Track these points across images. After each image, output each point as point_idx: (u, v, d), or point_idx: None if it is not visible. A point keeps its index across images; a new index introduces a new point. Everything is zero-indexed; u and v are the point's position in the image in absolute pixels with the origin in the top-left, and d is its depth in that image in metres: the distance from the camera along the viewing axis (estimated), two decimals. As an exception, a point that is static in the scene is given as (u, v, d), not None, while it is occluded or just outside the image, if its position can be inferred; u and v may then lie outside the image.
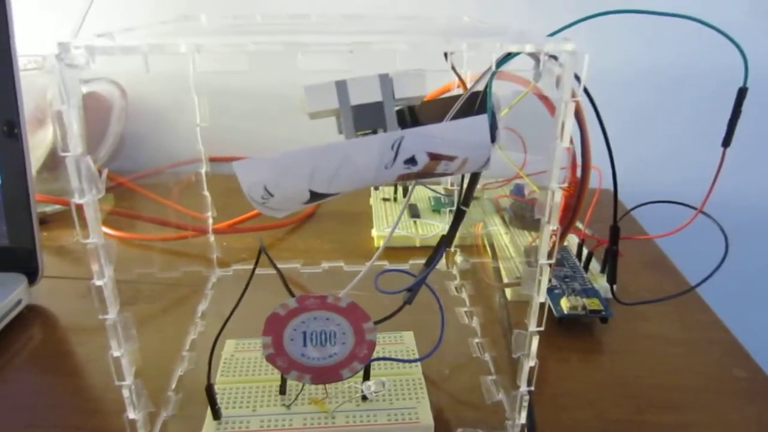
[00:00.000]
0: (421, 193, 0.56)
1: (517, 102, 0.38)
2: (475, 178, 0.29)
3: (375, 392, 0.30)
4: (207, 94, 0.40)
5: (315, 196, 0.25)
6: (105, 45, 0.22)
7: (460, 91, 0.40)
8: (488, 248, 0.46)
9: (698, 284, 0.35)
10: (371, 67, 0.26)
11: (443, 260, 0.44)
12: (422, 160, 0.24)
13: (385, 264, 0.45)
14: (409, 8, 0.62)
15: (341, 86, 0.24)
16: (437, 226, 0.50)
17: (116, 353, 0.26)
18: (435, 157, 0.24)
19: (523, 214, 0.51)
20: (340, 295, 0.29)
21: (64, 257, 0.49)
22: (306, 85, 0.25)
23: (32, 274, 0.41)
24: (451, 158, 0.24)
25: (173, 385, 0.33)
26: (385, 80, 0.25)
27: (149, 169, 0.61)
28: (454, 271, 0.45)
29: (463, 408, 0.33)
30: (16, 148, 0.39)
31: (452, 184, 0.46)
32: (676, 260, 0.49)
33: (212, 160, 0.42)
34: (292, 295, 0.28)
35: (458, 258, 0.46)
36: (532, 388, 0.28)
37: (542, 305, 0.27)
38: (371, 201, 0.56)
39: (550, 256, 0.26)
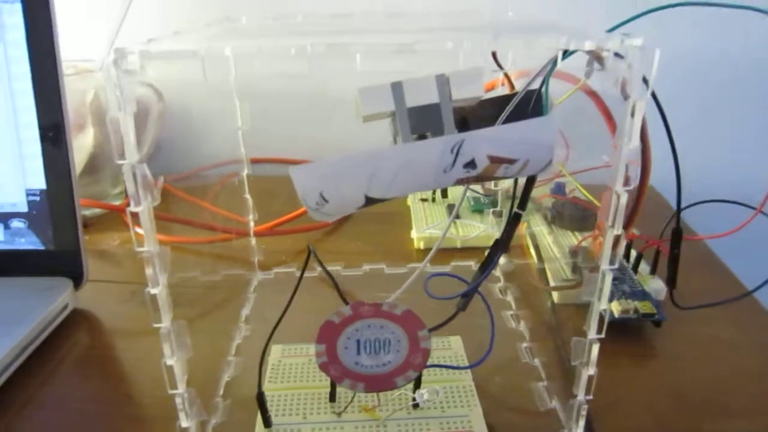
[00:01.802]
0: (460, 194, 0.55)
1: (566, 98, 0.37)
2: (531, 180, 0.28)
3: (428, 401, 0.29)
4: (248, 96, 0.39)
5: (370, 200, 0.24)
6: (161, 50, 0.21)
7: (506, 88, 0.39)
8: (532, 249, 0.45)
9: (759, 287, 0.34)
10: (418, 66, 0.26)
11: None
12: (482, 164, 0.23)
13: (428, 267, 0.44)
14: (444, 3, 0.61)
15: (397, 88, 0.24)
16: (478, 227, 0.49)
17: (169, 362, 0.25)
18: (495, 160, 0.23)
19: (564, 213, 0.50)
20: (389, 300, 0.28)
21: (106, 261, 0.49)
22: (361, 87, 0.24)
23: (77, 278, 0.41)
24: (511, 161, 0.23)
25: (221, 392, 0.33)
26: (442, 81, 0.24)
27: (187, 172, 0.61)
28: (498, 272, 0.44)
29: (514, 415, 0.32)
30: (61, 153, 0.39)
31: (495, 185, 0.45)
32: (723, 259, 0.47)
33: (251, 161, 0.42)
34: (346, 302, 0.27)
35: (502, 259, 0.45)
36: (591, 397, 0.27)
37: (603, 312, 0.26)
38: (409, 201, 0.55)
39: (612, 261, 0.25)
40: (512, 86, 0.37)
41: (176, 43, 0.23)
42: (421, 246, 0.49)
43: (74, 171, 0.40)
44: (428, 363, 0.28)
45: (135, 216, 0.23)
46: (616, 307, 0.38)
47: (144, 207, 0.23)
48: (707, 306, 0.36)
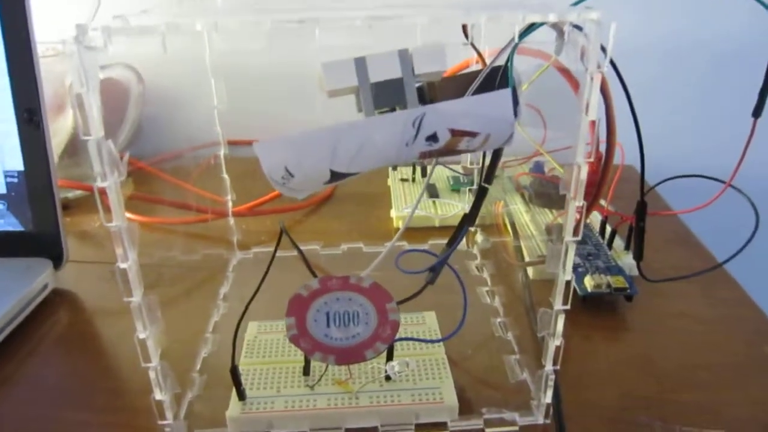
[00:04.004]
0: (439, 173, 0.56)
1: (538, 76, 0.37)
2: (497, 154, 0.28)
3: (399, 372, 0.30)
4: (224, 76, 0.39)
5: (335, 175, 0.24)
6: (122, 26, 0.22)
7: (480, 66, 0.39)
8: (509, 227, 0.46)
9: (727, 260, 0.35)
10: (388, 41, 0.26)
11: (464, 240, 0.44)
12: (444, 137, 0.23)
13: (405, 245, 0.45)
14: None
15: (360, 63, 0.24)
16: (456, 206, 0.50)
17: (142, 335, 0.26)
18: (457, 134, 0.23)
19: (543, 192, 0.50)
20: (361, 275, 0.29)
21: (88, 242, 0.49)
22: (324, 62, 0.24)
23: (57, 258, 0.41)
24: (473, 134, 0.23)
25: (198, 367, 0.33)
26: (405, 56, 0.24)
27: (167, 153, 0.61)
28: (475, 250, 0.45)
29: (486, 388, 0.33)
30: (37, 135, 0.39)
31: (472, 163, 0.45)
32: (701, 236, 0.48)
33: (230, 143, 0.42)
34: (315, 276, 0.28)
35: (479, 237, 0.45)
36: (558, 367, 0.28)
37: (568, 283, 0.26)
38: (389, 182, 0.55)
39: (575, 233, 0.25)
40: (485, 63, 0.37)
41: (140, 20, 0.23)
42: (400, 225, 0.49)
43: (52, 152, 0.40)
44: (400, 336, 0.28)
45: (102, 192, 0.23)
46: (589, 282, 0.39)
47: (111, 182, 0.23)
48: (676, 279, 0.37)
